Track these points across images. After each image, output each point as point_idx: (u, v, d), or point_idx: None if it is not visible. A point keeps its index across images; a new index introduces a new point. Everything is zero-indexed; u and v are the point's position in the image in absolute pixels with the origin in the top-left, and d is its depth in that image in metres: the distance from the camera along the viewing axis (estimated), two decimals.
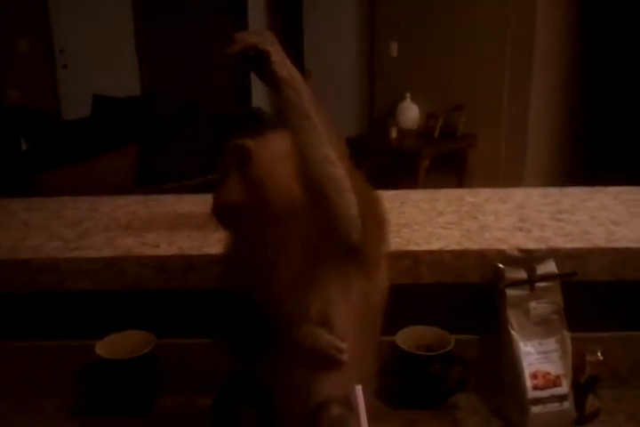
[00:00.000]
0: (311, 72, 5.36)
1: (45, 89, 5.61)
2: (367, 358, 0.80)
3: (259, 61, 0.70)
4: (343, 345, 0.75)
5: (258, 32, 0.72)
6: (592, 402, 1.00)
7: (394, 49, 4.78)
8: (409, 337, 1.02)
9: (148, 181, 2.81)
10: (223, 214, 0.76)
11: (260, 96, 5.79)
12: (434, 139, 4.43)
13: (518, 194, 1.26)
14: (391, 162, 4.48)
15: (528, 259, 0.98)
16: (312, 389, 0.75)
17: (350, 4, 4.99)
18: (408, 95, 4.65)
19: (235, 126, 4.23)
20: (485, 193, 1.26)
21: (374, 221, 0.77)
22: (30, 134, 4.46)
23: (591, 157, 4.21)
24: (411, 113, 4.67)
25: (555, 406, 0.95)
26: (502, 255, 0.99)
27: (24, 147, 4.32)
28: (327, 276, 0.76)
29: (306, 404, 0.76)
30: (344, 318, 0.76)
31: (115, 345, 1.00)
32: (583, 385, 0.99)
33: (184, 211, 1.18)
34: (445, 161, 4.42)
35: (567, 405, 0.96)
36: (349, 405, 0.71)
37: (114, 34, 5.78)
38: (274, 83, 0.70)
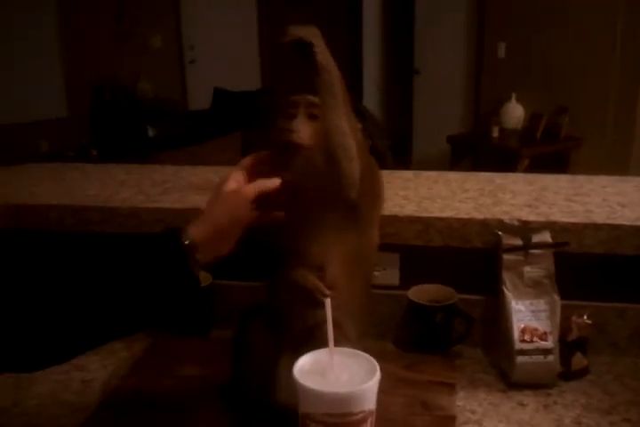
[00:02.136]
0: (419, 71, 5.51)
1: (175, 82, 6.10)
2: (356, 298, 0.96)
3: (304, 50, 0.89)
4: (327, 291, 0.92)
5: (305, 27, 0.91)
6: (579, 361, 1.12)
7: (502, 49, 4.83)
8: (420, 293, 1.18)
9: None
10: (288, 153, 0.91)
11: (370, 94, 5.99)
12: (536, 139, 4.44)
13: (546, 179, 1.38)
14: (492, 160, 4.55)
15: (525, 228, 1.12)
16: (309, 313, 0.94)
17: (461, 5, 5.08)
18: (514, 95, 4.68)
19: None
20: (515, 177, 1.40)
21: (371, 187, 0.95)
22: (156, 123, 4.90)
23: None
24: (516, 113, 4.71)
25: (539, 358, 1.08)
26: (502, 224, 1.13)
27: (150, 134, 4.75)
28: (327, 227, 0.94)
29: (305, 323, 0.94)
30: (337, 264, 0.93)
31: None
32: (570, 344, 1.11)
33: None
34: (547, 162, 4.42)
35: (551, 358, 1.08)
36: (340, 327, 0.89)
37: (239, 32, 6.19)
38: (314, 67, 0.89)
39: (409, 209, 1.19)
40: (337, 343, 0.85)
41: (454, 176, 1.41)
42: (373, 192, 0.95)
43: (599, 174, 1.42)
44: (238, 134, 3.34)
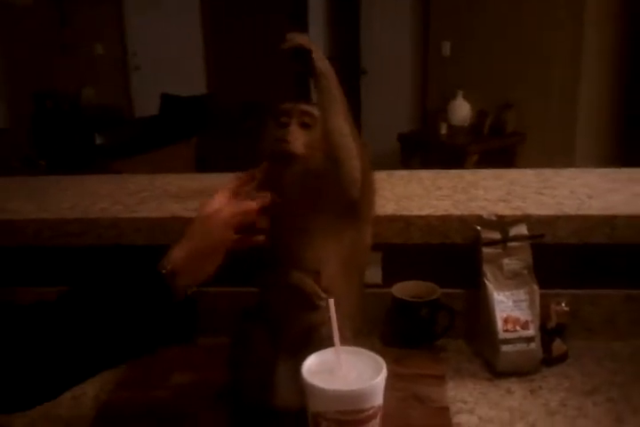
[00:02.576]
0: (367, 71, 5.57)
1: (119, 89, 6.02)
2: (352, 298, 0.98)
3: (303, 56, 0.91)
4: (324, 295, 0.94)
5: (303, 34, 0.93)
6: (559, 346, 1.17)
7: (446, 48, 4.93)
8: (403, 289, 1.21)
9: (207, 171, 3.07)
10: (283, 162, 0.93)
11: None
12: (483, 135, 4.56)
13: (513, 174, 1.43)
14: (441, 156, 4.64)
15: (502, 222, 1.16)
16: (305, 316, 0.96)
17: (405, 4, 5.18)
18: (460, 93, 4.79)
19: None
20: (484, 173, 1.44)
21: (367, 185, 0.97)
22: (104, 130, 4.83)
23: None
24: (463, 110, 4.82)
25: (522, 346, 1.13)
26: (480, 220, 1.17)
27: (98, 142, 4.68)
28: (323, 231, 0.96)
29: (301, 326, 0.96)
30: (332, 267, 0.95)
31: None
32: (550, 331, 1.16)
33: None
34: (494, 157, 4.54)
35: (534, 346, 1.13)
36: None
37: (183, 38, 6.15)
38: (313, 73, 0.91)
39: (389, 208, 1.22)
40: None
41: (426, 175, 1.45)
42: (371, 190, 0.98)
43: (544, 167, 1.50)
44: (193, 141, 3.33)
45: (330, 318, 0.86)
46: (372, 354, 0.84)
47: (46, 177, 1.58)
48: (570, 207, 1.21)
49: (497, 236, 1.15)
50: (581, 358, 1.17)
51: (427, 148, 4.60)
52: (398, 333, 1.22)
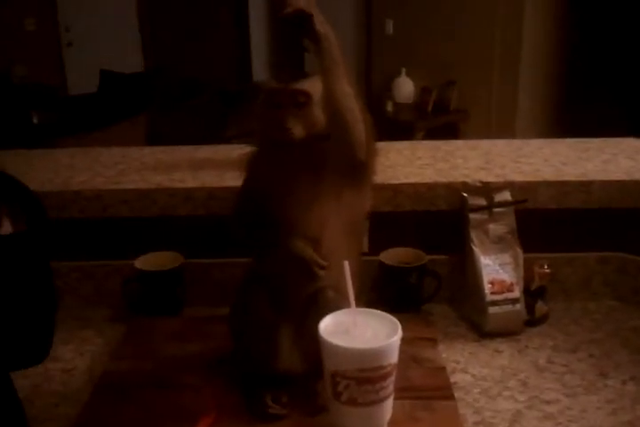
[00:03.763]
0: (309, 49, 5.55)
1: (52, 66, 5.79)
2: (352, 260, 1.00)
3: (303, 21, 0.90)
4: (323, 263, 0.94)
5: None
6: (541, 307, 1.22)
7: (389, 26, 4.96)
8: (391, 256, 1.24)
9: None
10: (286, 146, 0.94)
11: (260, 71, 5.97)
12: (427, 112, 4.63)
13: (486, 144, 1.47)
14: (387, 134, 4.68)
15: (487, 189, 1.20)
16: (308, 282, 0.97)
17: None
18: (403, 71, 4.84)
19: (237, 100, 4.44)
20: (458, 143, 1.48)
21: (371, 148, 0.99)
22: (40, 109, 4.64)
23: (580, 132, 4.39)
24: (406, 88, 4.87)
25: (508, 308, 1.17)
26: (466, 186, 1.20)
27: (35, 120, 4.50)
28: (326, 196, 0.97)
29: (306, 291, 0.97)
30: (333, 231, 0.96)
31: (149, 262, 1.23)
32: (533, 293, 1.21)
33: (203, 157, 1.40)
34: (439, 133, 4.62)
35: (519, 307, 1.17)
36: (340, 292, 0.93)
37: (117, 12, 5.95)
38: (315, 37, 0.90)
39: (376, 177, 1.23)
40: (342, 307, 0.89)
41: (402, 146, 1.47)
42: (373, 154, 0.99)
43: None
44: (141, 118, 3.25)
45: (339, 280, 0.88)
46: (385, 314, 0.87)
47: (9, 151, 1.52)
48: (548, 174, 1.25)
49: (483, 202, 1.19)
50: (561, 318, 1.23)
51: (374, 125, 4.64)
52: (387, 298, 1.24)
